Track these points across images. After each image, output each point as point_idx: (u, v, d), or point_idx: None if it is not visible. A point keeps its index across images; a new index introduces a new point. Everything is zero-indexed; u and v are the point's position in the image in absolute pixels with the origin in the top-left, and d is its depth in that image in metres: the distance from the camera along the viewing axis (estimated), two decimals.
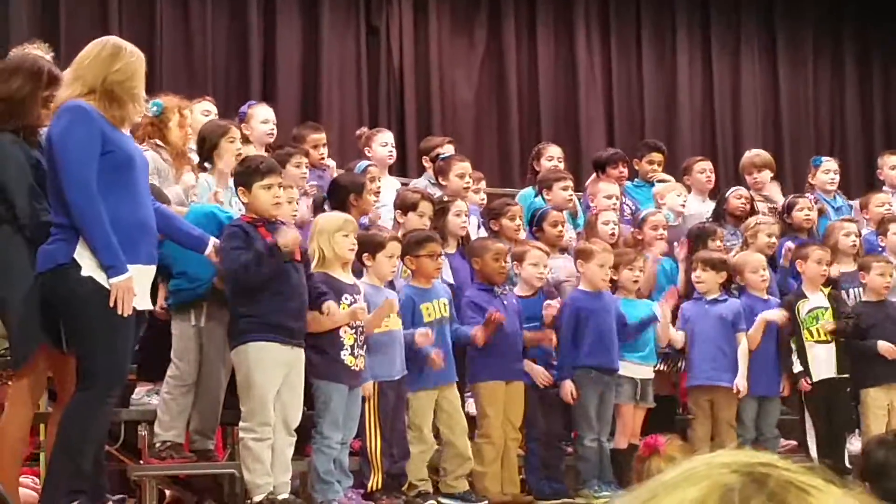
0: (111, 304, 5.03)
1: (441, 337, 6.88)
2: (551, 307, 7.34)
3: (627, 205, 9.15)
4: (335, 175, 7.93)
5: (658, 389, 7.80)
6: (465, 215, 7.68)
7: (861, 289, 8.40)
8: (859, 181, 12.24)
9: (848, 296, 8.42)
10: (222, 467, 6.48)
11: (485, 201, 8.64)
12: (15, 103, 5.40)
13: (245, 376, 5.99)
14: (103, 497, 5.39)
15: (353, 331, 6.35)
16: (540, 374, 7.26)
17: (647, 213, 8.47)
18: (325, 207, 7.30)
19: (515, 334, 7.19)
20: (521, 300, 7.34)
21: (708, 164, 9.68)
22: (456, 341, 7.02)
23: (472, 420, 7.16)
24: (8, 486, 5.30)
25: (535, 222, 8.07)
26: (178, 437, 6.30)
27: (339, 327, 6.31)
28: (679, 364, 8.04)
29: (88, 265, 5.05)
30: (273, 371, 5.97)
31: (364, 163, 8.12)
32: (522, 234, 7.93)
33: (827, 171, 9.78)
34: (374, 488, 6.55)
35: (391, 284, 6.94)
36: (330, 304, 6.17)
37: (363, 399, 6.50)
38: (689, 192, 9.41)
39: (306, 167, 7.55)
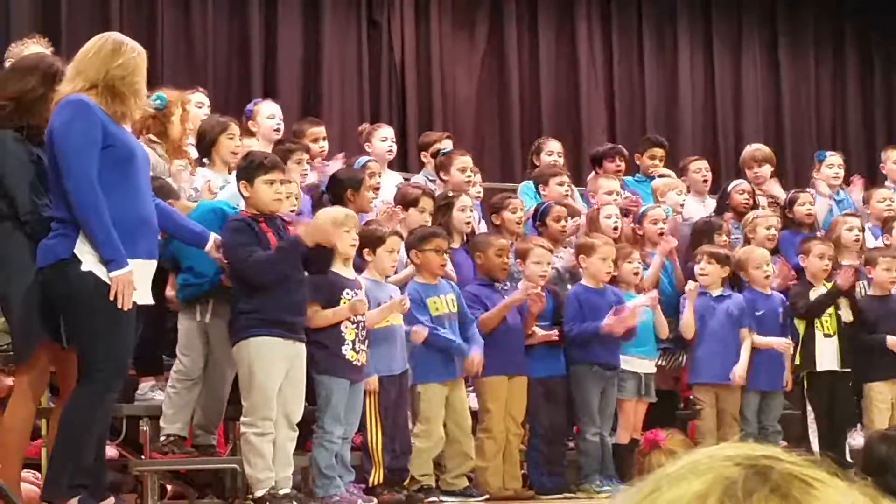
0: (111, 299, 5.03)
1: (450, 332, 6.88)
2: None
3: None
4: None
5: (659, 384, 7.80)
6: (470, 210, 7.68)
7: (866, 282, 8.40)
8: (861, 176, 12.22)
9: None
10: (224, 462, 6.49)
11: (481, 195, 8.63)
12: (26, 103, 5.40)
13: (247, 371, 5.99)
14: (104, 493, 5.39)
15: (355, 326, 6.35)
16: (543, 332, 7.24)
17: (646, 208, 8.48)
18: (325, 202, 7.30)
19: (517, 329, 7.19)
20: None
21: (704, 164, 9.64)
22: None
23: (474, 415, 7.17)
24: (10, 481, 5.31)
25: (539, 217, 8.08)
26: (182, 430, 6.31)
27: (341, 322, 6.31)
28: (679, 359, 8.04)
29: (89, 260, 5.05)
30: (275, 366, 5.98)
31: (364, 158, 8.13)
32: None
33: (831, 165, 9.78)
34: (376, 483, 6.55)
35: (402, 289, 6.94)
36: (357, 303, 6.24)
37: (364, 394, 6.50)
38: (688, 191, 9.41)
39: (307, 163, 7.55)
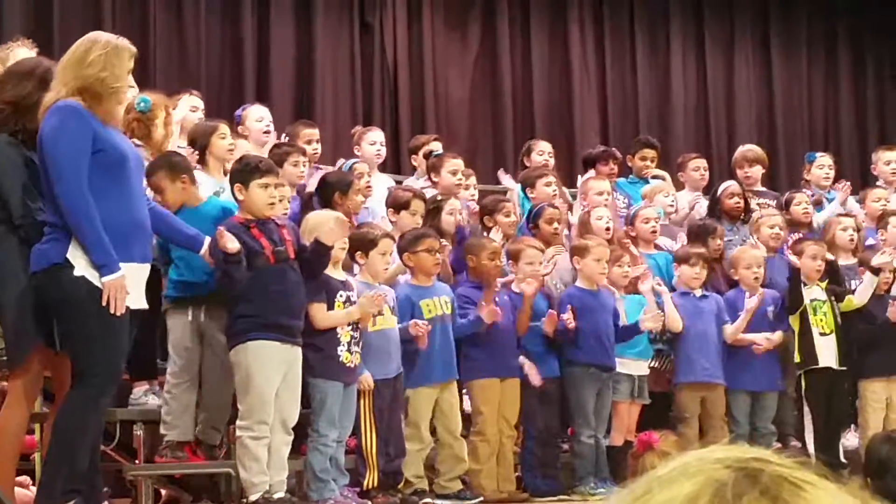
0: (104, 304, 5.03)
1: (444, 334, 6.89)
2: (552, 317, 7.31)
3: (619, 200, 9.17)
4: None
5: (652, 386, 7.80)
6: (459, 213, 7.69)
7: (859, 281, 8.41)
8: (854, 176, 12.24)
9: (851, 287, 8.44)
10: (218, 466, 6.48)
11: (475, 197, 8.64)
12: (23, 107, 5.39)
13: (244, 375, 5.98)
14: (98, 497, 5.38)
15: (349, 327, 6.36)
16: (533, 374, 7.24)
17: (637, 209, 8.49)
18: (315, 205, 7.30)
19: (510, 332, 7.20)
20: (518, 297, 7.33)
21: (702, 162, 9.69)
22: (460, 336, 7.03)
23: (467, 417, 7.17)
24: (4, 486, 5.30)
25: (531, 219, 8.08)
26: (183, 434, 6.30)
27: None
28: (673, 361, 8.04)
29: (81, 264, 5.05)
30: (273, 370, 5.98)
31: (351, 161, 8.14)
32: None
33: (821, 166, 9.82)
34: (370, 486, 6.55)
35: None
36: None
37: (358, 397, 6.50)
38: (683, 188, 9.43)
39: (303, 166, 7.55)
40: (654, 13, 12.94)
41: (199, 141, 6.95)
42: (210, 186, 6.78)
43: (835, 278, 8.27)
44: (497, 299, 7.17)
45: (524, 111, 12.32)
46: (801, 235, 8.76)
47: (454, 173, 8.20)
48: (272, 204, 6.13)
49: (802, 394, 8.03)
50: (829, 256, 8.21)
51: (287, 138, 8.21)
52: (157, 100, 6.65)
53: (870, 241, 9.02)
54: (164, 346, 6.51)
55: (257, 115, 8.08)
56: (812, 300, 8.11)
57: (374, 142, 8.63)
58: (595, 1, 12.72)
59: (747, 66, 13.30)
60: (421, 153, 8.88)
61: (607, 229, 8.08)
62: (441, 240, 7.17)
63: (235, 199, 6.20)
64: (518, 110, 12.28)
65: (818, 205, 9.29)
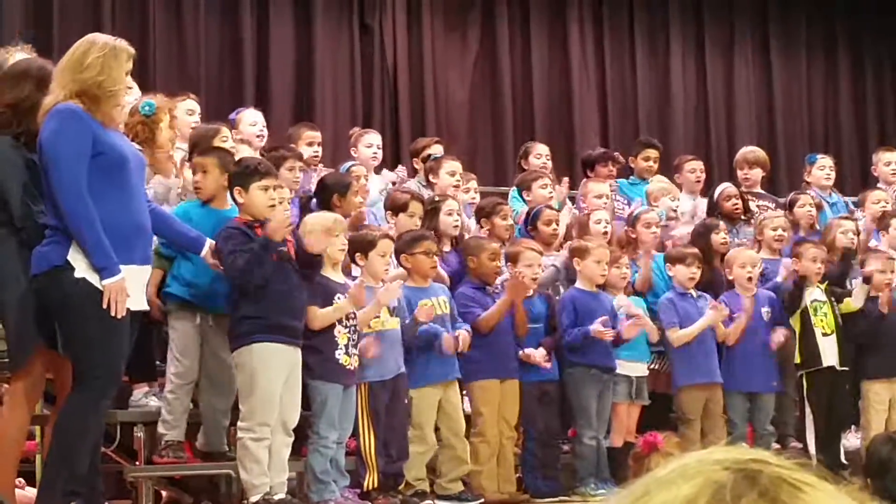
0: (104, 306, 5.03)
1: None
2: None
3: (619, 201, 9.17)
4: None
5: (652, 387, 7.80)
6: (458, 214, 7.68)
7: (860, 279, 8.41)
8: (854, 178, 12.26)
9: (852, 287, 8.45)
10: (219, 468, 6.48)
11: (476, 200, 8.63)
12: (23, 109, 5.39)
13: (249, 377, 5.98)
14: (99, 499, 5.39)
15: (347, 329, 6.36)
16: (540, 355, 7.23)
17: (639, 212, 8.48)
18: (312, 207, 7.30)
19: (509, 333, 7.20)
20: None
21: (699, 164, 9.66)
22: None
23: (467, 419, 7.17)
24: (5, 488, 5.31)
25: (529, 221, 8.09)
26: (181, 435, 6.30)
27: (334, 327, 6.32)
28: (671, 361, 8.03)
29: (82, 267, 5.05)
30: (277, 371, 5.98)
31: (348, 163, 8.14)
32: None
33: (822, 167, 9.80)
34: (370, 488, 6.55)
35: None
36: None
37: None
38: (680, 190, 9.43)
39: (300, 170, 7.55)
40: (654, 14, 12.93)
41: (201, 144, 6.94)
42: None
43: (843, 274, 8.29)
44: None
45: (524, 113, 12.31)
46: (802, 236, 8.75)
47: (452, 174, 8.20)
48: (272, 206, 6.13)
49: (804, 395, 8.03)
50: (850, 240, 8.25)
51: (288, 140, 8.22)
52: (161, 103, 6.65)
53: (872, 243, 9.03)
54: (163, 348, 6.50)
55: (251, 119, 8.08)
56: (812, 301, 8.11)
57: (370, 144, 8.62)
58: (595, 2, 12.72)
59: (747, 67, 13.29)
60: (421, 156, 8.87)
61: (605, 233, 8.08)
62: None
63: (235, 201, 6.20)
64: (518, 112, 12.28)
65: (819, 209, 9.28)
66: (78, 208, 5.02)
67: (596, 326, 7.20)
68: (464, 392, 7.28)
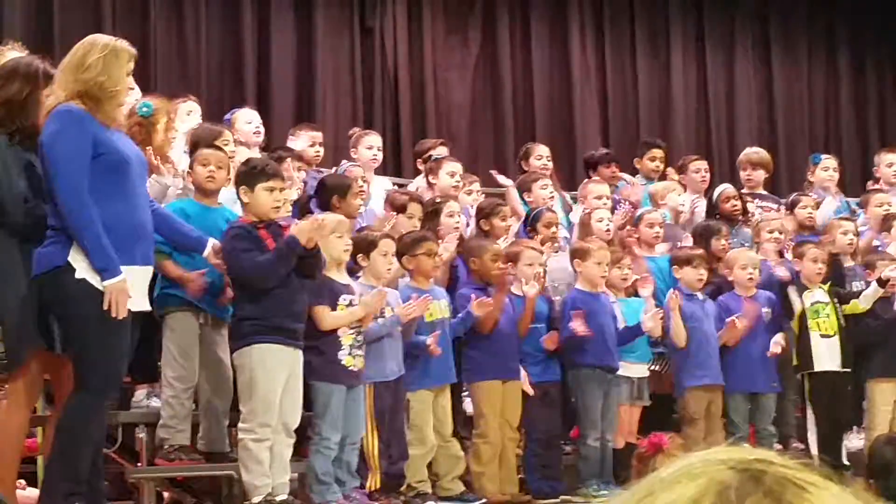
0: (105, 307, 5.03)
1: (443, 338, 6.89)
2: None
3: (622, 203, 9.17)
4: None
5: (656, 388, 7.80)
6: (458, 216, 7.68)
7: (862, 283, 8.40)
8: (854, 179, 12.25)
9: (852, 289, 8.43)
10: (221, 469, 6.48)
11: (478, 202, 8.62)
12: (15, 107, 5.39)
13: (249, 378, 5.98)
14: (101, 501, 5.38)
15: (352, 331, 6.36)
16: (526, 384, 7.24)
17: (643, 212, 8.48)
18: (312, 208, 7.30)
19: (511, 334, 7.20)
20: (518, 300, 7.34)
21: (703, 164, 9.67)
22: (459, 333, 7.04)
23: (469, 420, 7.16)
24: (5, 488, 5.31)
25: (529, 223, 8.09)
26: (188, 438, 6.30)
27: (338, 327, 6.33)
28: (673, 362, 8.02)
29: (83, 267, 5.04)
30: (278, 373, 5.98)
31: (345, 164, 8.13)
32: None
33: (826, 167, 9.79)
34: (373, 489, 6.55)
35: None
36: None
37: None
38: (685, 190, 9.43)
39: (300, 170, 7.54)
40: (655, 16, 12.94)
41: (202, 144, 6.94)
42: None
43: (838, 279, 8.27)
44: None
45: (525, 114, 12.32)
46: (803, 237, 8.75)
47: (452, 175, 8.19)
48: (277, 207, 6.15)
49: (806, 396, 8.02)
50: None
51: (291, 139, 8.22)
52: (158, 104, 6.65)
53: (875, 243, 9.02)
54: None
55: (246, 118, 8.09)
56: (814, 303, 8.10)
57: (370, 146, 8.59)
58: (595, 4, 12.72)
59: (747, 68, 13.30)
60: (424, 158, 8.85)
61: (607, 231, 8.09)
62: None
63: (240, 201, 6.21)
64: (519, 114, 12.28)
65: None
66: (77, 210, 5.02)
67: (572, 324, 7.17)
68: (465, 393, 7.29)
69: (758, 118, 13.28)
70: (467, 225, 8.03)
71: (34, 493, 6.09)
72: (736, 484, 1.14)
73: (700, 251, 8.01)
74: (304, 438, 6.37)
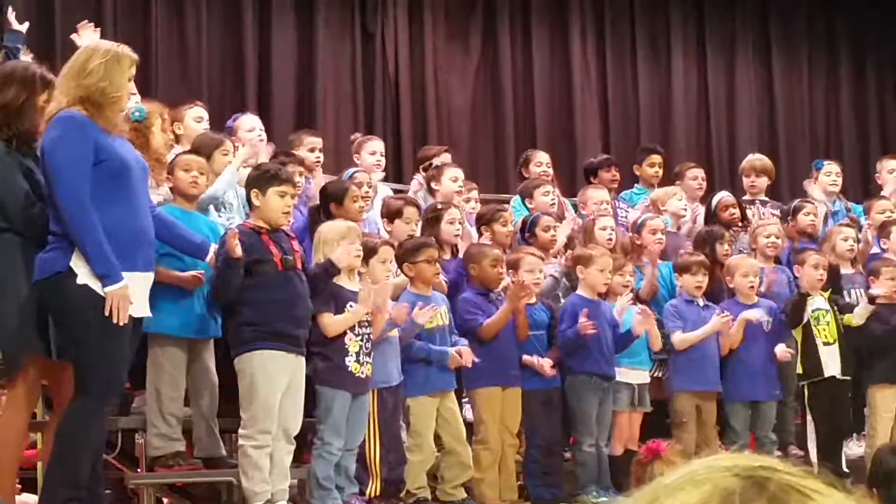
0: (106, 313, 5.02)
1: (442, 344, 6.88)
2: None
3: (622, 208, 9.17)
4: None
5: (655, 395, 7.79)
6: (459, 223, 7.66)
7: (861, 290, 8.40)
8: (855, 185, 12.25)
9: (849, 297, 8.43)
10: (220, 475, 6.47)
11: (476, 209, 8.61)
12: (11, 112, 5.39)
13: (249, 384, 5.97)
14: None
15: (359, 337, 6.35)
16: (546, 364, 7.23)
17: (645, 218, 8.48)
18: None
19: (511, 341, 7.19)
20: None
21: (700, 172, 9.66)
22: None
23: (469, 426, 7.16)
24: (5, 494, 5.30)
25: (528, 228, 8.08)
26: (184, 445, 6.29)
27: (345, 334, 6.31)
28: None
29: (84, 273, 5.04)
30: (278, 379, 5.97)
31: (351, 170, 8.13)
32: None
33: (828, 173, 9.78)
34: (373, 495, 6.54)
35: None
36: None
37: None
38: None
39: (302, 176, 7.53)
40: (656, 22, 12.94)
41: (203, 152, 6.93)
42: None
43: (835, 287, 8.27)
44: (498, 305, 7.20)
45: (525, 120, 12.32)
46: (804, 245, 8.75)
47: (455, 180, 8.19)
48: (287, 213, 6.16)
49: (806, 403, 8.01)
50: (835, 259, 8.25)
51: (290, 145, 8.21)
52: (151, 108, 6.65)
53: (875, 250, 9.02)
54: None
55: (249, 126, 8.05)
56: (815, 310, 8.10)
57: (373, 151, 8.57)
58: (596, 9, 12.73)
59: (748, 74, 13.30)
60: (425, 165, 8.83)
61: (609, 240, 8.08)
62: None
63: (251, 204, 6.21)
64: (519, 119, 12.29)
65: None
66: (78, 216, 5.02)
67: (581, 320, 7.18)
68: (465, 399, 7.28)
69: (758, 122, 13.29)
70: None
71: (33, 498, 6.08)
72: (740, 490, 1.14)
73: (700, 257, 8.00)
74: (303, 444, 6.36)
